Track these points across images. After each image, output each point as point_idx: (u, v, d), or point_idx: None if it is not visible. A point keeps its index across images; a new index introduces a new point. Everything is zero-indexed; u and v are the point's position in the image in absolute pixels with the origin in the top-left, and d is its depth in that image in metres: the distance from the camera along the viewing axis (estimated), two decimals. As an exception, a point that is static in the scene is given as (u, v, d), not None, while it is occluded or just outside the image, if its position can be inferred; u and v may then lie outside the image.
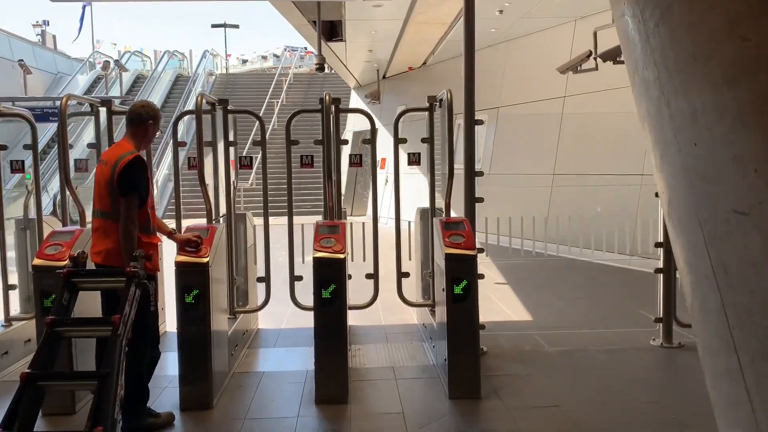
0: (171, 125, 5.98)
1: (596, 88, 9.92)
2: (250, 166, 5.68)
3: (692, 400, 4.14)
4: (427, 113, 5.43)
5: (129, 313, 3.21)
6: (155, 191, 17.56)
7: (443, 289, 4.41)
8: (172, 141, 5.71)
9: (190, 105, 20.69)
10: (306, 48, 28.06)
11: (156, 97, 22.94)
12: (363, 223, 6.46)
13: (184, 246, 4.27)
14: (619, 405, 4.19)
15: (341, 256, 4.35)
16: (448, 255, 4.37)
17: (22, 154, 6.01)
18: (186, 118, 11.88)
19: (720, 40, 1.93)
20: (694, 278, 2.26)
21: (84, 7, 33.00)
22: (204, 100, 4.99)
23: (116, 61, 24.30)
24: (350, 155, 5.81)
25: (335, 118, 5.24)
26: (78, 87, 24.13)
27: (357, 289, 5.60)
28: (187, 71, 27.32)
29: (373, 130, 5.56)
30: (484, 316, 4.57)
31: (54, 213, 8.39)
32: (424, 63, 15.07)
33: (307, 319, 4.50)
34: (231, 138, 5.61)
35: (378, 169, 14.65)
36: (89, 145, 5.52)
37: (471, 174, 5.18)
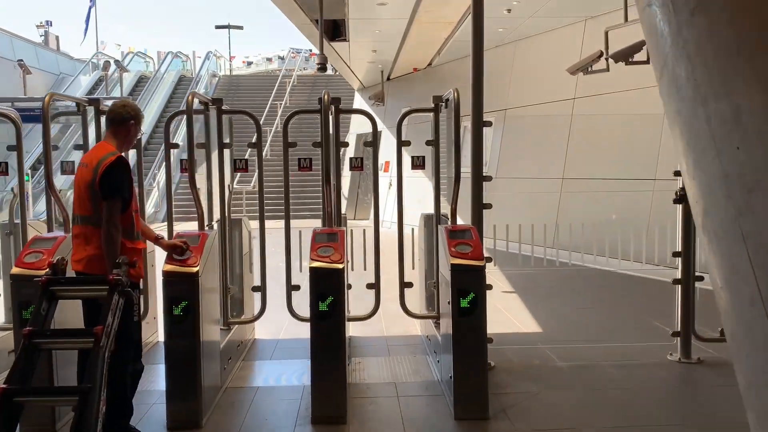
0: (165, 126, 5.73)
1: (607, 89, 9.67)
2: (246, 170, 5.42)
3: (717, 424, 3.88)
4: (432, 114, 5.15)
5: (112, 323, 3.05)
6: (155, 194, 17.55)
7: (449, 302, 4.14)
8: (164, 142, 5.47)
9: (192, 106, 20.46)
10: (311, 50, 27.85)
11: (159, 98, 22.88)
12: (364, 230, 6.17)
13: (170, 252, 4.04)
14: (638, 430, 3.91)
15: (340, 266, 4.07)
16: (454, 266, 4.10)
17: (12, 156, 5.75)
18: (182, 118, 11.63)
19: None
20: (736, 302, 1.99)
21: (90, 8, 33.07)
22: (196, 100, 4.73)
23: (117, 62, 24.09)
24: (351, 158, 5.53)
25: (335, 119, 4.97)
26: (80, 88, 24.00)
27: (358, 298, 5.35)
28: (190, 72, 27.19)
29: (375, 132, 5.28)
30: (491, 328, 4.29)
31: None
32: (430, 64, 14.84)
33: (307, 329, 4.20)
34: (227, 140, 5.34)
35: (382, 172, 14.40)
36: (76, 147, 5.29)
37: (479, 178, 4.91)
